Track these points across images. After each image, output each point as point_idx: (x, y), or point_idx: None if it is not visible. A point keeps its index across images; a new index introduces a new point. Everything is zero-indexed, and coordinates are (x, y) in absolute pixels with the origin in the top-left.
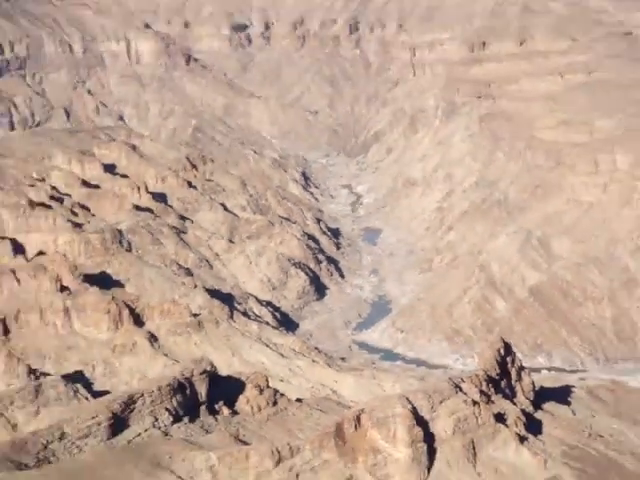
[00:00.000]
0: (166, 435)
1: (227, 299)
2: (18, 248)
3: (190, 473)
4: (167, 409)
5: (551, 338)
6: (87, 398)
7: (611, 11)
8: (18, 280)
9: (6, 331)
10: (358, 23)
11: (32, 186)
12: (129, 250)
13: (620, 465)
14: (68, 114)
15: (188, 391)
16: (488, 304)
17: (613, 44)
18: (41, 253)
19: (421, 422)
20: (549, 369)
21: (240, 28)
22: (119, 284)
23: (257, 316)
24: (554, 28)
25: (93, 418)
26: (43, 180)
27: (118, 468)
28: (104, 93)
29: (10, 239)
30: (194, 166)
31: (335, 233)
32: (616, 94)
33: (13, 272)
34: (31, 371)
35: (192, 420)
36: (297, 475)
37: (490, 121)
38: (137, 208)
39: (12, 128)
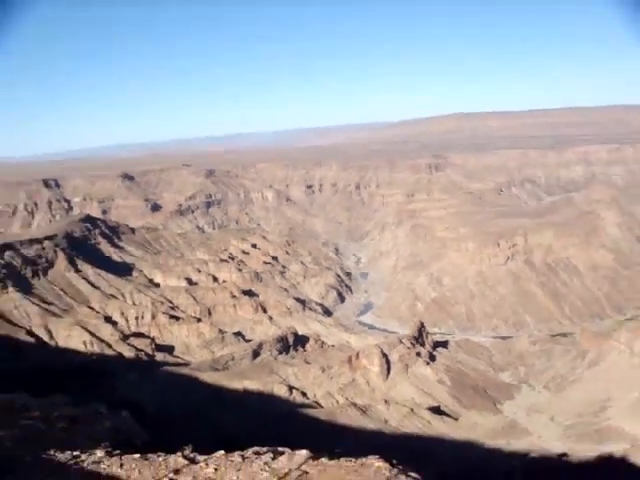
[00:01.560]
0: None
1: (301, 301)
2: None
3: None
4: (277, 349)
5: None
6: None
7: None
8: None
9: None
10: (359, 184)
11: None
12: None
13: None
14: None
15: (286, 340)
16: (414, 305)
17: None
18: None
19: (384, 355)
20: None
21: (309, 186)
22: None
23: (315, 309)
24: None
25: (245, 350)
26: None
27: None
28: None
29: None
30: (289, 244)
31: (348, 274)
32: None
33: None
34: None
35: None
36: (331, 375)
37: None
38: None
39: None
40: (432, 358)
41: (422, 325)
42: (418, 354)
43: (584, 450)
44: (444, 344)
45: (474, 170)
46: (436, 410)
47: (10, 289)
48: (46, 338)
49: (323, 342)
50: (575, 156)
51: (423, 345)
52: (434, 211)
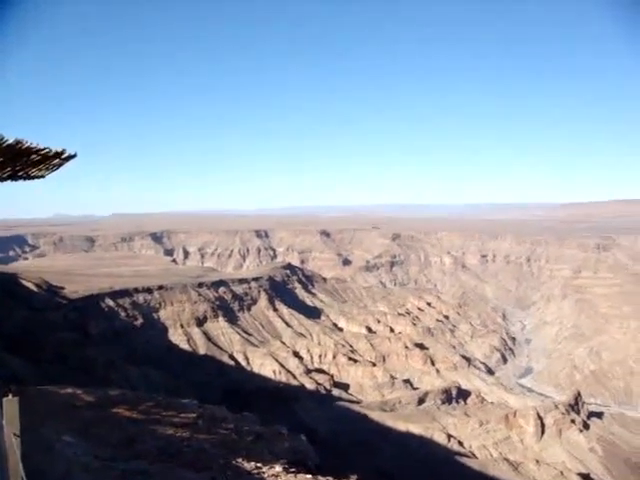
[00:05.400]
0: None
1: (467, 359)
2: None
3: None
4: (441, 399)
5: None
6: None
7: None
8: None
9: None
10: (530, 257)
11: None
12: None
13: None
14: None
15: (449, 392)
16: (572, 374)
17: None
18: None
19: (540, 417)
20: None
21: (483, 255)
22: None
23: (479, 367)
24: None
25: (411, 397)
26: None
27: None
28: None
29: None
30: (460, 305)
31: (513, 338)
32: None
33: None
34: None
35: (448, 401)
36: (487, 429)
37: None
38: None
39: None
40: (586, 426)
41: (579, 394)
42: (572, 421)
43: None
44: (599, 415)
45: None
46: (586, 477)
47: (220, 318)
48: (244, 363)
49: (483, 398)
50: None
51: (578, 413)
52: (599, 288)
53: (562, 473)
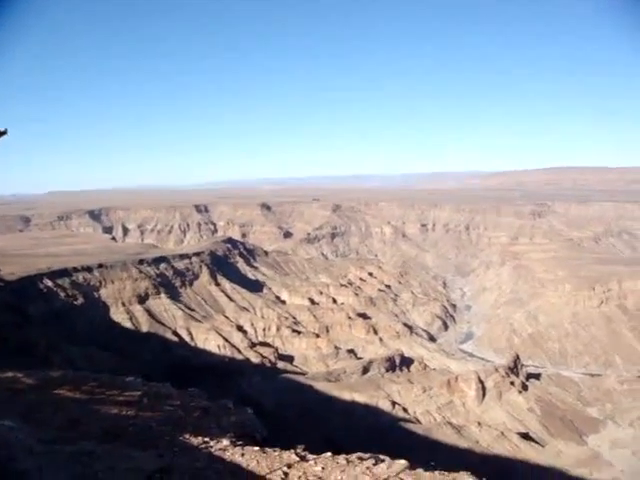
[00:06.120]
0: None
1: (409, 327)
2: None
3: None
4: (384, 368)
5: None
6: None
7: None
8: None
9: None
10: (468, 226)
11: None
12: None
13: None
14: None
15: (393, 360)
16: (511, 338)
17: None
18: None
19: (481, 381)
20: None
21: (423, 225)
22: None
23: (421, 334)
24: None
25: (356, 366)
26: None
27: None
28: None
29: None
30: (402, 274)
31: (453, 305)
32: None
33: None
34: None
35: (392, 369)
36: (431, 395)
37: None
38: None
39: None
40: (525, 388)
41: (517, 357)
42: (512, 383)
43: None
44: (536, 376)
45: (574, 219)
46: (525, 436)
47: (162, 295)
48: (187, 339)
49: (426, 365)
50: None
51: (517, 375)
52: (535, 254)
53: (503, 433)
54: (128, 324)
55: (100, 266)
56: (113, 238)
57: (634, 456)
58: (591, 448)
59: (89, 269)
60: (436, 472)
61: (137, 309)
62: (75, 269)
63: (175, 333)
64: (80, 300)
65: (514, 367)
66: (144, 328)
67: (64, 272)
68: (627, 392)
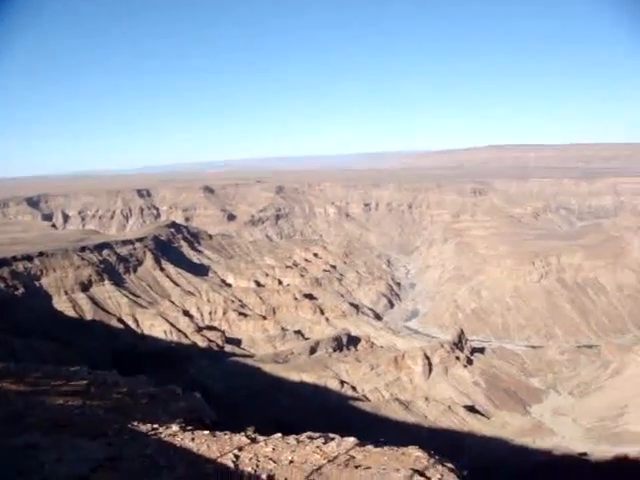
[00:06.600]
0: None
1: (355, 306)
2: None
3: None
4: (332, 347)
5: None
6: None
7: None
8: None
9: None
10: (411, 204)
11: None
12: None
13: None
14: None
15: (340, 340)
16: (456, 314)
17: None
18: None
19: (427, 357)
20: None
21: (367, 204)
22: None
23: (367, 313)
24: None
25: (303, 347)
26: None
27: None
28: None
29: None
30: (346, 254)
31: (398, 283)
32: None
33: None
34: None
35: (339, 349)
36: (378, 372)
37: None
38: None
39: None
40: (469, 362)
41: (462, 332)
42: (457, 358)
43: (602, 451)
44: (481, 350)
45: (514, 195)
46: (471, 409)
47: (106, 282)
48: (133, 326)
49: (373, 343)
50: (605, 186)
51: (462, 350)
52: (477, 230)
53: (450, 407)
54: (71, 313)
55: (41, 254)
56: (53, 225)
57: (574, 423)
58: (534, 417)
59: (29, 258)
60: (385, 448)
61: (80, 297)
62: (14, 258)
63: (120, 320)
64: (21, 290)
65: (459, 342)
66: (88, 316)
67: (3, 262)
68: (567, 362)
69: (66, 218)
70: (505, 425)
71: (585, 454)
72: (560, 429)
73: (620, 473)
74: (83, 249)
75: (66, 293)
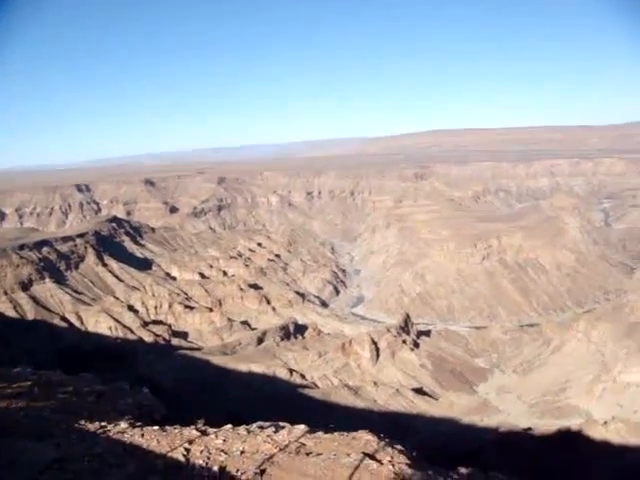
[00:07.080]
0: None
1: (301, 294)
2: None
3: None
4: (279, 336)
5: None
6: None
7: None
8: None
9: None
10: (353, 191)
11: None
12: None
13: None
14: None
15: (287, 329)
16: (401, 298)
17: None
18: None
19: (374, 342)
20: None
21: (309, 192)
22: None
23: (313, 301)
24: None
25: (251, 337)
26: None
27: None
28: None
29: None
30: (290, 243)
31: (343, 270)
32: None
33: None
34: None
35: (287, 338)
36: (326, 359)
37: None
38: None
39: None
40: (416, 345)
41: (408, 316)
42: (404, 342)
43: (546, 425)
44: (427, 333)
45: (455, 179)
46: (419, 391)
47: (47, 280)
48: (77, 324)
49: (320, 331)
50: (542, 168)
51: (408, 334)
52: (419, 215)
53: (398, 391)
54: (12, 313)
55: None
56: None
57: (519, 400)
58: (481, 396)
59: None
60: (335, 433)
61: (21, 297)
62: None
63: (63, 318)
64: None
65: (405, 326)
66: (30, 316)
67: None
68: (510, 341)
69: (2, 216)
70: (452, 405)
71: (530, 429)
72: (505, 406)
73: (563, 445)
74: (22, 247)
75: (6, 293)
